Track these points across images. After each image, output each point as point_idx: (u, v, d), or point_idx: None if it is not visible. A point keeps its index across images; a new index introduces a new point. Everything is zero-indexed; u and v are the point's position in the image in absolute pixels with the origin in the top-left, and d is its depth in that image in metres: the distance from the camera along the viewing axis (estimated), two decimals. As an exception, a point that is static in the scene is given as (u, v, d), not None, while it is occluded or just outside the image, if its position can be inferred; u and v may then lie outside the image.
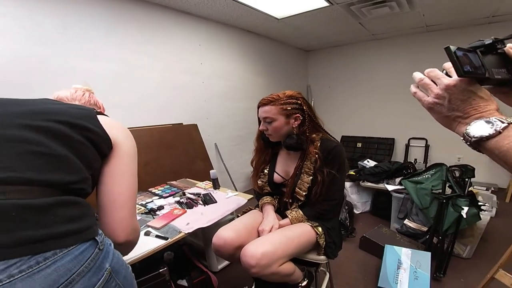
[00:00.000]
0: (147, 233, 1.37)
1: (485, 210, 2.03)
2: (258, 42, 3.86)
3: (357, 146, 4.51)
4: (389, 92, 4.28)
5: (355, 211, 2.91)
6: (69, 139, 0.65)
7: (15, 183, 0.55)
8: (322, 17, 3.12)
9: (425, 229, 2.15)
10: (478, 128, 0.47)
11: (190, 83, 2.98)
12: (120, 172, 0.75)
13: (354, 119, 4.63)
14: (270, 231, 1.26)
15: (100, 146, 0.71)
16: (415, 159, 3.86)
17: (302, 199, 1.32)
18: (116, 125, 0.79)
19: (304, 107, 1.30)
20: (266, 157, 1.46)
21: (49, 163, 0.61)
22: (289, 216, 1.33)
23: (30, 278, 0.49)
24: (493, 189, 3.39)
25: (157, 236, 1.35)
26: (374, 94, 4.43)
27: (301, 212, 1.32)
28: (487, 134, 0.45)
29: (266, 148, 1.47)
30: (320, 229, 1.26)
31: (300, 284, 1.27)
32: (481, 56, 0.49)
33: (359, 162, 3.17)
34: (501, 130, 0.45)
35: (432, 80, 0.52)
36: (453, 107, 0.50)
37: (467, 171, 2.03)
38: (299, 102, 1.30)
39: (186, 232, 1.40)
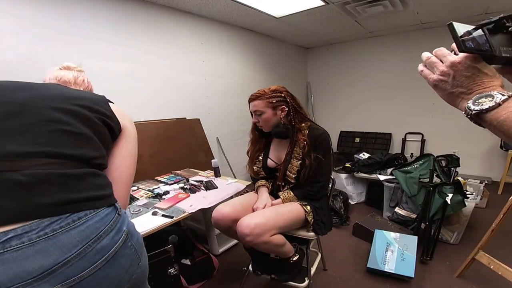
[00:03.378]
0: (154, 213, 1.52)
1: (468, 197, 2.14)
2: (258, 40, 3.98)
3: (355, 141, 4.63)
4: (386, 88, 4.38)
5: (350, 201, 3.04)
6: (91, 121, 0.75)
7: (52, 156, 0.67)
8: (319, 16, 3.24)
9: (414, 216, 2.27)
10: (478, 102, 0.47)
11: (193, 80, 3.12)
12: (127, 153, 0.85)
13: (352, 114, 4.75)
14: (264, 208, 1.41)
15: (113, 129, 0.81)
16: (412, 153, 3.98)
17: (293, 181, 1.47)
18: (121, 111, 0.88)
19: (288, 99, 1.47)
20: (260, 145, 1.62)
21: (77, 140, 0.71)
22: (281, 196, 1.48)
23: (69, 232, 0.60)
24: (486, 182, 3.49)
25: (163, 216, 1.49)
26: (371, 91, 4.54)
27: (292, 193, 1.47)
28: (486, 107, 0.45)
29: (260, 138, 1.62)
30: (308, 207, 1.40)
31: (291, 259, 1.41)
32: (487, 34, 0.47)
33: (354, 155, 3.30)
34: (500, 103, 0.45)
35: (439, 59, 0.54)
36: (457, 84, 0.50)
37: (453, 160, 2.15)
38: (283, 95, 1.47)
39: (190, 212, 1.55)
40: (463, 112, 0.51)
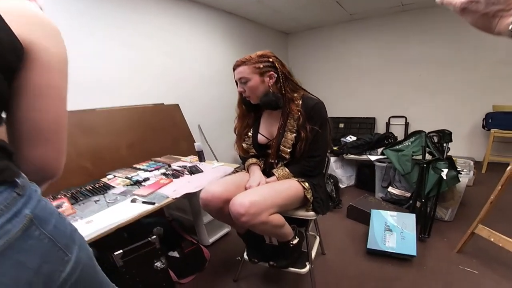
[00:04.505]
0: (133, 200, 1.34)
1: (461, 173, 2.10)
2: (239, 24, 3.82)
3: (340, 126, 4.58)
4: (369, 72, 4.36)
5: (340, 185, 2.96)
6: None
7: None
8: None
9: (408, 194, 2.22)
10: None
11: (171, 65, 2.91)
12: (41, 90, 0.53)
13: (335, 100, 4.69)
14: (258, 186, 1.27)
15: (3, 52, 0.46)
16: (396, 137, 3.97)
17: (287, 157, 1.33)
18: (34, 19, 0.52)
19: (277, 65, 1.30)
20: (249, 121, 1.45)
21: None
22: (276, 174, 1.33)
23: None
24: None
25: (144, 202, 1.31)
26: (354, 76, 4.50)
27: (287, 170, 1.32)
28: None
29: (248, 113, 1.46)
30: (307, 184, 1.27)
31: (291, 242, 1.28)
32: None
33: (341, 139, 3.22)
34: None
35: None
36: (492, 1, 0.43)
37: (445, 135, 2.10)
38: (271, 60, 1.30)
39: (174, 197, 1.38)
40: (507, 36, 0.42)
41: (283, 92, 1.29)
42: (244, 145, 1.44)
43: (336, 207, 2.53)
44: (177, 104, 2.84)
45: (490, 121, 3.32)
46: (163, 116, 2.65)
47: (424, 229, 1.99)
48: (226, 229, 2.19)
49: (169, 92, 2.89)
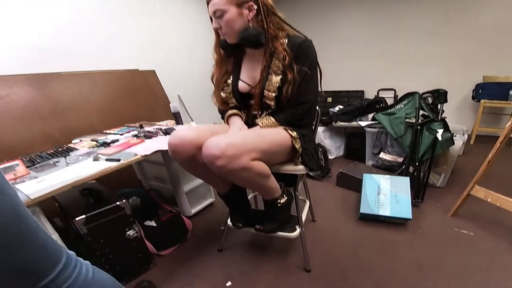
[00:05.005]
0: (95, 159, 1.15)
1: (455, 136, 2.01)
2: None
3: (328, 101, 4.44)
4: (356, 43, 4.19)
5: (329, 156, 2.85)
6: None
7: None
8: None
9: (400, 159, 2.12)
10: None
11: (146, 27, 2.65)
12: None
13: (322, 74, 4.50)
14: None
15: None
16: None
17: (272, 104, 1.14)
18: None
19: None
20: (228, 67, 1.25)
21: None
22: (259, 123, 1.15)
23: None
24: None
25: (107, 160, 1.13)
26: (341, 47, 4.32)
27: (272, 119, 1.15)
28: None
29: (227, 57, 1.26)
30: (295, 133, 1.10)
31: (278, 201, 1.14)
32: None
33: (330, 109, 3.08)
34: None
35: None
36: None
37: (440, 95, 1.99)
38: None
39: (143, 154, 1.19)
40: None
41: (265, 27, 1.10)
42: (223, 94, 1.24)
43: (325, 176, 2.42)
44: (154, 70, 2.61)
45: (480, 91, 3.26)
46: (138, 83, 2.43)
47: (417, 194, 1.90)
48: (210, 200, 2.04)
49: (146, 58, 2.65)
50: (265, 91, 1.12)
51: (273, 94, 1.11)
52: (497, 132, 3.37)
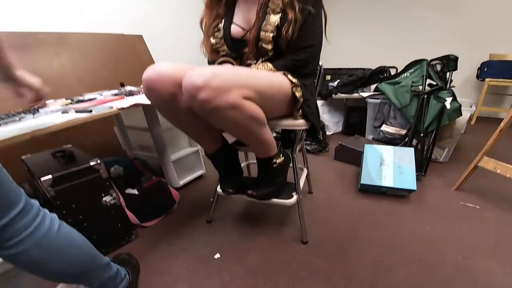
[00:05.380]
0: (65, 111, 1.00)
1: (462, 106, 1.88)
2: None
3: (326, 78, 4.27)
4: (358, 21, 3.99)
5: (327, 132, 2.72)
6: None
7: None
8: None
9: (403, 131, 1.99)
10: None
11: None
12: None
13: (321, 52, 4.31)
14: None
15: None
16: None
17: (270, 49, 0.97)
18: None
19: None
20: (220, 10, 1.06)
21: None
22: (255, 69, 1.00)
23: None
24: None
25: (78, 112, 0.97)
26: (342, 23, 4.12)
27: (270, 65, 0.98)
28: None
29: (218, 1, 1.08)
30: (295, 80, 0.95)
31: (274, 160, 1.00)
32: None
33: (329, 83, 2.92)
34: None
35: None
36: None
37: (449, 62, 1.85)
38: None
39: (120, 107, 1.04)
40: None
41: None
42: (212, 40, 1.06)
43: (323, 150, 2.29)
44: (141, 35, 2.41)
45: (485, 69, 3.11)
46: (123, 48, 2.23)
47: (420, 167, 1.79)
48: (200, 171, 1.90)
49: (132, 23, 2.44)
50: (261, 32, 0.96)
51: (271, 35, 0.94)
52: (500, 112, 3.27)
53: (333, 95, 2.54)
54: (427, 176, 1.82)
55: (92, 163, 1.07)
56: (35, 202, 0.68)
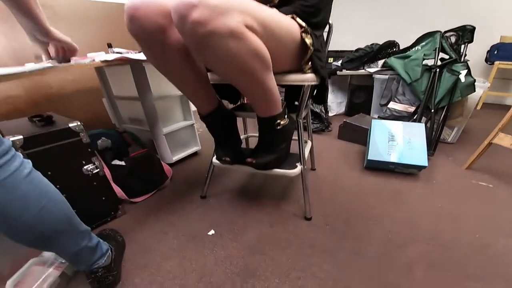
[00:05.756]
0: (38, 57, 0.86)
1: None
2: None
3: (328, 61, 4.12)
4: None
5: (329, 112, 2.60)
6: None
7: None
8: None
9: (412, 109, 1.87)
10: None
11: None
12: None
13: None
14: None
15: None
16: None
17: None
18: None
19: None
20: None
21: None
22: None
23: None
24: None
25: (54, 61, 0.84)
26: (341, 2, 3.95)
27: (275, 10, 0.85)
28: None
29: None
30: (304, 24, 0.81)
31: (278, 121, 0.88)
32: None
33: (332, 63, 2.78)
34: None
35: None
36: None
37: (465, 33, 1.71)
38: None
39: (103, 59, 0.90)
40: None
41: None
42: None
43: (325, 129, 2.18)
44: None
45: (495, 52, 2.98)
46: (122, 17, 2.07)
47: (429, 146, 1.67)
48: (195, 148, 1.78)
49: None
50: None
51: None
52: (507, 97, 3.16)
53: (337, 72, 2.39)
54: (435, 156, 1.72)
55: (71, 125, 0.94)
56: (7, 140, 0.59)
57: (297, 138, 1.04)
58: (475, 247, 0.95)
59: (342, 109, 2.73)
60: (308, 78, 0.87)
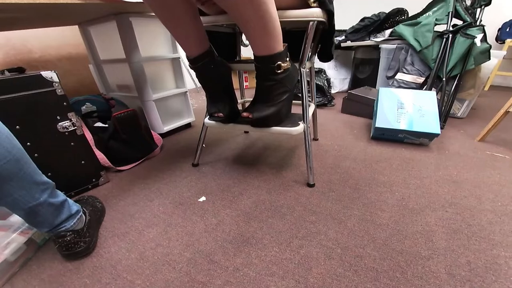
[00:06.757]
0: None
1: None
2: None
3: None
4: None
5: (332, 89, 2.46)
6: None
7: None
8: None
9: (421, 79, 1.74)
10: None
11: None
12: None
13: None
14: None
15: None
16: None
17: None
18: None
19: None
20: None
21: None
22: None
23: None
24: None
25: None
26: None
27: None
28: None
29: None
30: None
31: (279, 63, 0.74)
32: None
33: (336, 38, 2.63)
34: None
35: None
36: None
37: (482, -5, 1.57)
38: None
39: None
40: None
41: None
42: None
43: (328, 104, 2.05)
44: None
45: (507, 30, 2.83)
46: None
47: (439, 117, 1.56)
48: (188, 119, 1.65)
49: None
50: None
51: None
52: (514, 76, 3.03)
53: (341, 44, 2.25)
54: (445, 129, 1.60)
55: (43, 73, 0.81)
56: None
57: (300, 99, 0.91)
58: (499, 215, 0.84)
59: (345, 86, 2.60)
60: (313, 13, 0.73)
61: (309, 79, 1.20)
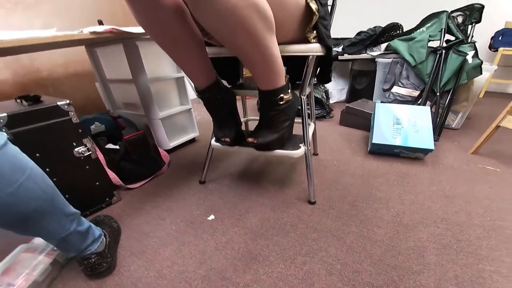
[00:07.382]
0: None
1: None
2: None
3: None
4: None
5: (330, 99, 2.53)
6: None
7: None
8: None
9: (416, 93, 1.82)
10: None
11: None
12: None
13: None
14: None
15: None
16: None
17: None
18: None
19: None
20: None
21: None
22: None
23: None
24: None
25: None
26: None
27: None
28: None
29: None
30: None
31: (281, 95, 0.81)
32: None
33: (334, 49, 2.71)
34: None
35: None
36: None
37: (473, 12, 1.65)
38: None
39: (92, 30, 0.84)
40: None
41: None
42: None
43: (327, 116, 2.12)
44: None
45: (500, 38, 2.90)
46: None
47: (434, 130, 1.62)
48: (193, 134, 1.72)
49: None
50: None
51: None
52: (511, 84, 3.11)
53: (339, 57, 2.33)
54: (440, 141, 1.67)
55: (59, 103, 0.88)
56: None
57: (300, 118, 0.98)
58: (488, 230, 0.91)
59: (343, 96, 2.67)
60: (313, 48, 0.81)
61: (308, 102, 1.27)
